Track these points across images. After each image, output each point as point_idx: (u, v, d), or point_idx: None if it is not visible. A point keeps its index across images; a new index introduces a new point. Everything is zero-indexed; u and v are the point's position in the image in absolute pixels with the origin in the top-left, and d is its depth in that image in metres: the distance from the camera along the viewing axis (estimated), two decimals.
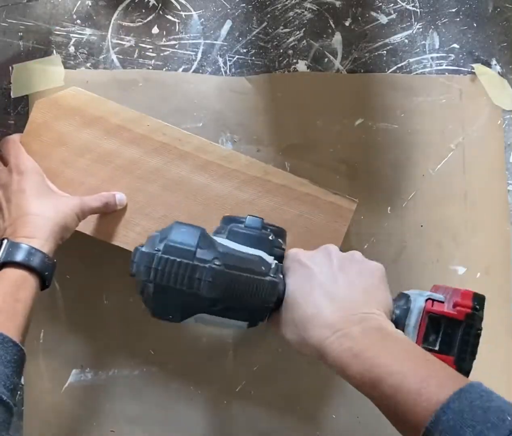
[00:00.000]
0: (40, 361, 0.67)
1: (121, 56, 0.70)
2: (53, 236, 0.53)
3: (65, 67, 0.69)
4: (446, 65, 0.72)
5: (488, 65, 0.72)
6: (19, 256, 0.50)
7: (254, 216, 0.49)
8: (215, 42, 0.70)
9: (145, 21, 0.70)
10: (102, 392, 0.67)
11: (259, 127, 0.69)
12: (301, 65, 0.71)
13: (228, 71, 0.70)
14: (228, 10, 0.71)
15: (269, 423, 0.67)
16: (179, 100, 0.69)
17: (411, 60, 0.71)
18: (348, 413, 0.67)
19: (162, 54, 0.70)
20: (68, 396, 0.67)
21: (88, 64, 0.69)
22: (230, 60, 0.70)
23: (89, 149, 0.62)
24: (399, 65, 0.71)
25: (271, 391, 0.67)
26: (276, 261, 0.47)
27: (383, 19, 0.72)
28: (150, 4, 0.70)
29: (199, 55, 0.70)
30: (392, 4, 0.72)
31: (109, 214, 0.61)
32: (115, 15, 0.70)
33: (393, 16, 0.72)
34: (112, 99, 0.69)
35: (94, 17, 0.70)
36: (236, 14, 0.71)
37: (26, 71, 0.69)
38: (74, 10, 0.70)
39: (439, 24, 0.72)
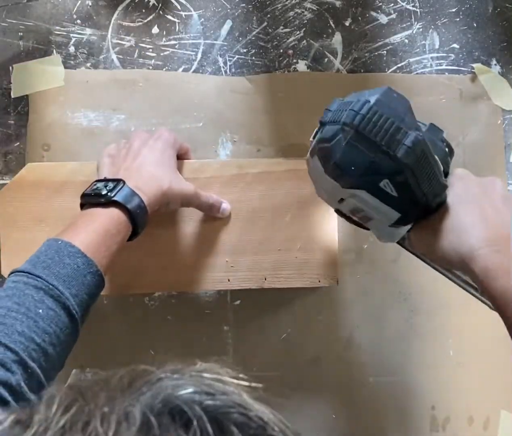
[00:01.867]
0: None
1: (121, 56, 0.70)
2: (158, 204, 0.54)
3: (65, 67, 0.69)
4: (446, 65, 0.72)
5: (488, 65, 0.72)
6: (132, 205, 0.50)
7: (436, 125, 0.48)
8: (215, 42, 0.70)
9: (145, 21, 0.70)
10: None
11: (259, 127, 0.69)
12: (301, 65, 0.71)
13: (228, 71, 0.70)
14: (228, 10, 0.71)
15: None
16: (179, 100, 0.69)
17: (411, 60, 0.71)
18: (348, 413, 0.67)
19: (162, 54, 0.70)
20: None
21: (88, 64, 0.69)
22: (230, 60, 0.70)
23: (67, 215, 0.59)
24: (399, 65, 0.71)
25: (271, 391, 0.67)
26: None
27: (383, 19, 0.72)
28: (150, 4, 0.70)
29: (199, 55, 0.70)
30: (392, 4, 0.72)
31: (119, 266, 0.59)
32: (115, 15, 0.70)
33: (393, 16, 0.72)
34: (112, 99, 0.69)
35: (94, 17, 0.70)
36: (236, 14, 0.71)
37: (26, 71, 0.69)
38: (74, 10, 0.70)
39: (439, 24, 0.72)
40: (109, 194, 0.49)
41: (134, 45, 0.70)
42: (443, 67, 0.71)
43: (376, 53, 0.71)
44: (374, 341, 0.68)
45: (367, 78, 0.70)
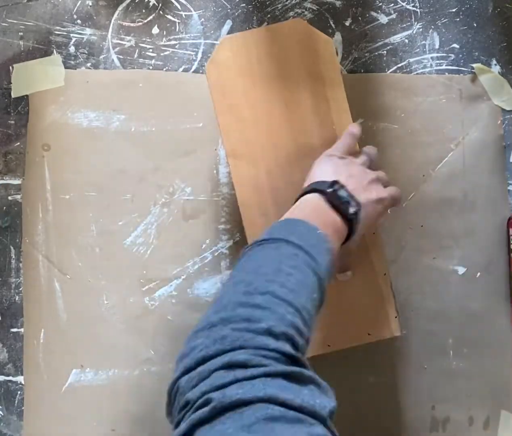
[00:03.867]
0: (40, 361, 0.67)
1: (121, 56, 0.70)
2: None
3: (65, 67, 0.69)
4: (446, 65, 0.72)
5: (488, 65, 0.72)
6: (356, 235, 0.52)
7: None
8: (215, 42, 0.70)
9: (145, 21, 0.70)
10: (102, 392, 0.67)
11: None
12: None
13: None
14: (228, 10, 0.71)
15: None
16: (179, 100, 0.69)
17: (411, 60, 0.71)
18: (348, 413, 0.67)
19: (162, 54, 0.70)
20: (68, 396, 0.67)
21: (89, 64, 0.69)
22: None
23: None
24: (399, 65, 0.71)
25: None
26: None
27: (383, 19, 0.72)
28: (150, 4, 0.70)
29: (199, 55, 0.70)
30: (392, 4, 0.72)
31: None
32: (115, 15, 0.70)
33: (393, 16, 0.72)
34: (112, 99, 0.69)
35: (94, 17, 0.70)
36: (236, 14, 0.71)
37: (26, 71, 0.69)
38: (74, 10, 0.70)
39: (439, 24, 0.72)
40: (353, 216, 0.50)
41: (134, 45, 0.70)
42: (443, 67, 0.71)
43: (376, 53, 0.71)
44: (374, 341, 0.68)
45: (367, 78, 0.70)
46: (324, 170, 0.54)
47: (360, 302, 0.60)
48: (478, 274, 0.69)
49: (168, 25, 0.70)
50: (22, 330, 0.67)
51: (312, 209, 0.50)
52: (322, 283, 0.44)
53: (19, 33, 0.69)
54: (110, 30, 0.70)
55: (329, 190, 0.50)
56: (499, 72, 0.72)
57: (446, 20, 0.72)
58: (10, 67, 0.69)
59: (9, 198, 0.68)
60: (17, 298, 0.67)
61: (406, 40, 0.71)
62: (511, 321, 0.69)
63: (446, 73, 0.71)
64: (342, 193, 0.51)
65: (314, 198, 0.50)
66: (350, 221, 0.50)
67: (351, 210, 0.50)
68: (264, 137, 0.60)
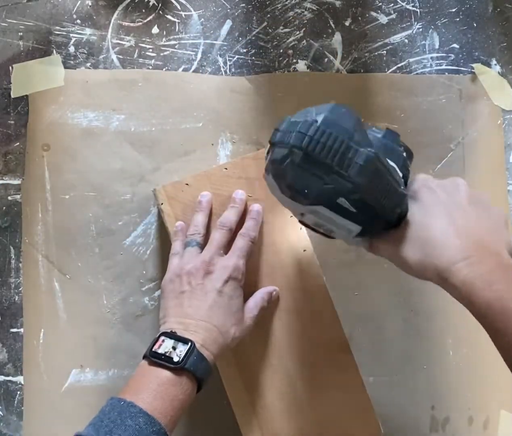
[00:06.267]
0: (40, 361, 0.67)
1: (121, 56, 0.70)
2: (221, 357, 0.55)
3: (65, 67, 0.69)
4: (446, 65, 0.72)
5: (488, 65, 0.72)
6: (200, 372, 0.50)
7: (392, 130, 0.47)
8: (215, 42, 0.70)
9: (145, 21, 0.70)
10: (102, 392, 0.67)
11: (259, 127, 0.69)
12: (301, 65, 0.71)
13: (228, 71, 0.70)
14: (228, 10, 0.71)
15: None
16: (179, 100, 0.69)
17: (411, 60, 0.71)
18: None
19: (162, 54, 0.70)
20: (68, 396, 0.67)
21: (88, 64, 0.69)
22: (230, 60, 0.70)
23: None
24: (399, 65, 0.71)
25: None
26: (402, 179, 0.46)
27: (383, 19, 0.72)
28: (150, 4, 0.70)
29: (199, 55, 0.70)
30: (392, 4, 0.72)
31: None
32: (115, 15, 0.70)
33: (393, 16, 0.72)
34: (112, 99, 0.69)
35: (94, 17, 0.70)
36: (236, 14, 0.71)
37: (26, 71, 0.69)
38: (74, 10, 0.70)
39: (439, 24, 0.72)
40: (180, 363, 0.49)
41: (134, 45, 0.70)
42: (443, 67, 0.71)
43: (376, 53, 0.71)
44: (374, 341, 0.68)
45: (367, 78, 0.71)
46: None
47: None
48: None
49: (168, 25, 0.70)
50: (21, 330, 0.67)
51: (145, 377, 0.49)
52: None
53: (19, 33, 0.69)
54: (110, 30, 0.70)
55: (149, 352, 0.50)
56: (499, 72, 0.72)
57: (446, 20, 0.72)
58: (10, 67, 0.69)
59: (9, 198, 0.68)
60: (16, 298, 0.67)
61: (406, 40, 0.71)
62: None
63: (446, 73, 0.71)
64: (161, 350, 0.50)
65: (143, 366, 0.50)
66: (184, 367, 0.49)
67: (176, 359, 0.49)
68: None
